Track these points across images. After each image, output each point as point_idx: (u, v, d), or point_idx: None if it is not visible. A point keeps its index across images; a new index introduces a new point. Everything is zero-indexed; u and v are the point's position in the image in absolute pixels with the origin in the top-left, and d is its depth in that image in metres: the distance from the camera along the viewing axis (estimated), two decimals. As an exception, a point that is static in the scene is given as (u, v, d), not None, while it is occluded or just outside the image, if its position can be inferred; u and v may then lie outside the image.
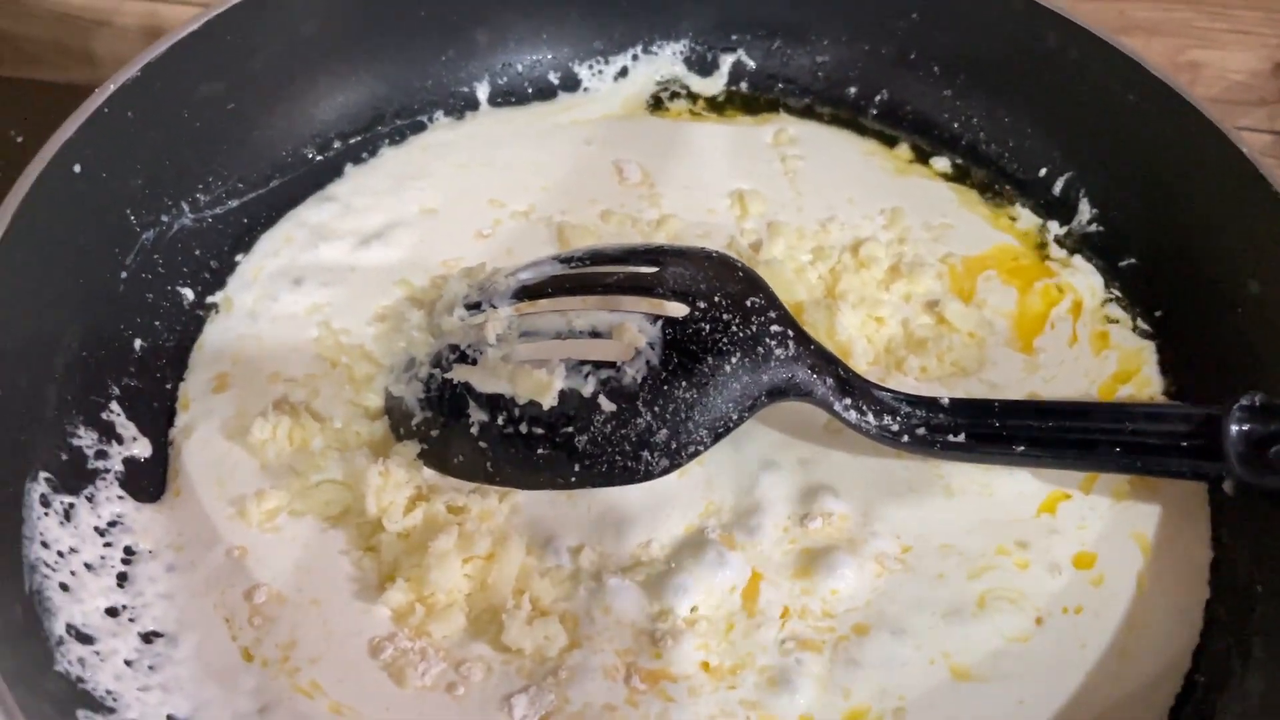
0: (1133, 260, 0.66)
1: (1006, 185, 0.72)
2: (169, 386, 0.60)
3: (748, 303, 0.53)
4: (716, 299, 0.53)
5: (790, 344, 0.53)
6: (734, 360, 0.52)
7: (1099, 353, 0.64)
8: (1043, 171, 0.71)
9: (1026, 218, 0.70)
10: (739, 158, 0.72)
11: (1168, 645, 0.53)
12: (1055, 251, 0.68)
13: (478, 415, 0.54)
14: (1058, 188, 0.70)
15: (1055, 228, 0.69)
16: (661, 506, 0.56)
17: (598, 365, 0.53)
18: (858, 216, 0.69)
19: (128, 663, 0.49)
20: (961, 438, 0.53)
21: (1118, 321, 0.65)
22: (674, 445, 0.51)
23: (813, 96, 0.76)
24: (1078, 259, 0.68)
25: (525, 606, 0.52)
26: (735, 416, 0.52)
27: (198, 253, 0.63)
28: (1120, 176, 0.67)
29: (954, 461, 0.56)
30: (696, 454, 0.52)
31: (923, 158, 0.74)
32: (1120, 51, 0.64)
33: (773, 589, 0.54)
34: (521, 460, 0.53)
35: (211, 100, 0.64)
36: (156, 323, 0.61)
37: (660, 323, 0.53)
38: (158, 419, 0.59)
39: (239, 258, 0.65)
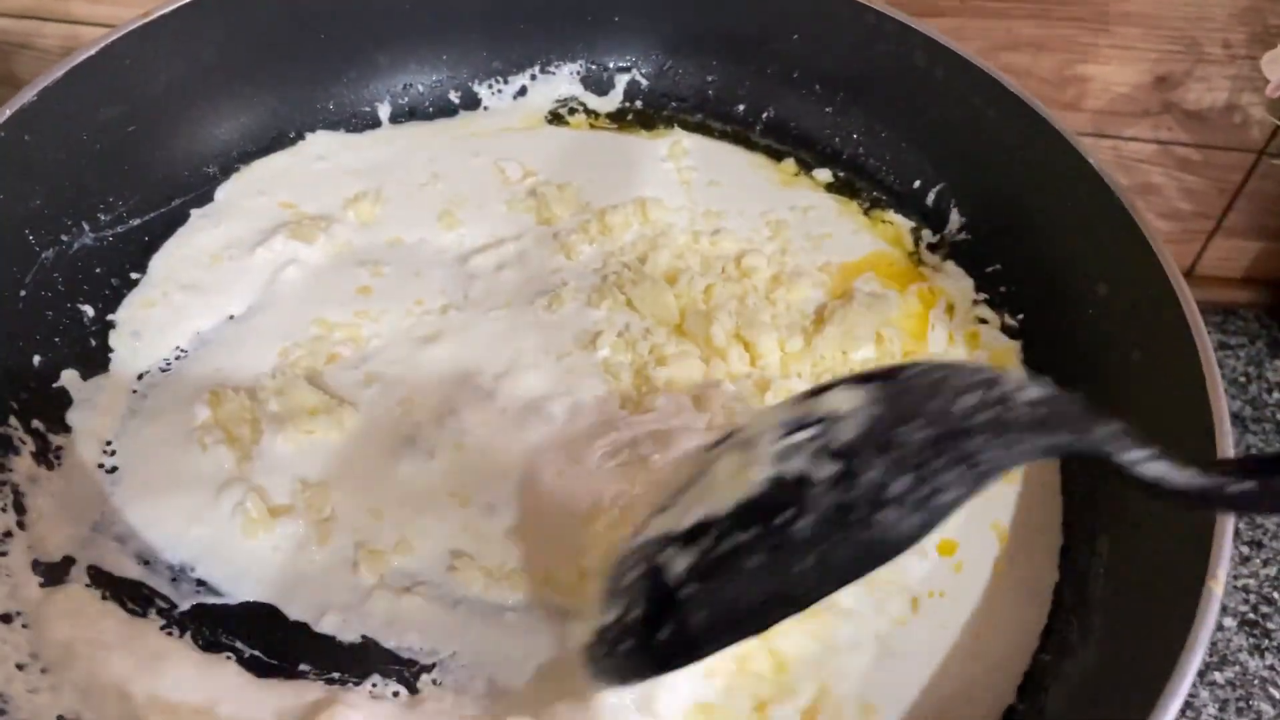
0: (997, 266, 0.70)
1: (884, 196, 0.75)
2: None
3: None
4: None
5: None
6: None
7: (972, 351, 0.68)
8: (917, 183, 0.74)
9: (902, 225, 0.74)
10: (633, 169, 0.75)
11: (1019, 625, 0.56)
12: (928, 257, 0.72)
13: (677, 565, 0.42)
14: (930, 198, 0.73)
15: (929, 236, 0.73)
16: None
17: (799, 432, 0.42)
18: (745, 228, 0.72)
19: (19, 666, 0.51)
20: None
21: (987, 322, 0.69)
22: (924, 493, 0.38)
23: (704, 113, 0.79)
24: (950, 264, 0.71)
25: None
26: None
27: (98, 270, 0.65)
28: (983, 187, 0.71)
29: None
30: (958, 503, 0.38)
31: (807, 170, 0.77)
32: (981, 69, 0.67)
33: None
34: (735, 586, 0.41)
35: (112, 122, 0.65)
36: (56, 339, 0.62)
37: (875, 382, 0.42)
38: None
39: (137, 276, 0.66)
